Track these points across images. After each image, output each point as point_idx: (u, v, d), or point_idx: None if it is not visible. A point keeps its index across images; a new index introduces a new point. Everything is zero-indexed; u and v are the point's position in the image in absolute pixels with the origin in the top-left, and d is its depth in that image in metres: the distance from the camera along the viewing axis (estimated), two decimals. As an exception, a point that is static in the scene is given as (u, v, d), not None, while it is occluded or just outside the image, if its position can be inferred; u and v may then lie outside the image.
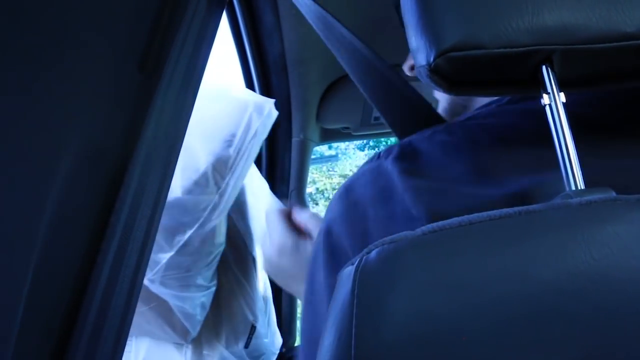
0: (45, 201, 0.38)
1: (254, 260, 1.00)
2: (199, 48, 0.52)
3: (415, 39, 0.37)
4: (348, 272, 0.33)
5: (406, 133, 0.54)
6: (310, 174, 1.49)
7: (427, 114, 0.54)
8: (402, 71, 0.67)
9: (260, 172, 1.32)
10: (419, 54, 0.36)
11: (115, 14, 0.44)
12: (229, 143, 0.81)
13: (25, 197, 0.37)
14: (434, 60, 0.35)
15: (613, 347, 0.30)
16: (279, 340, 1.11)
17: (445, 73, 0.36)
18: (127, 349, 0.71)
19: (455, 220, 0.33)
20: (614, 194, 0.33)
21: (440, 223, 0.32)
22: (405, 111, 0.55)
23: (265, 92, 1.25)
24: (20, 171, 0.37)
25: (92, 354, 0.39)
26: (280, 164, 1.37)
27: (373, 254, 0.32)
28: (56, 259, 0.39)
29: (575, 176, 0.34)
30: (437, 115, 0.55)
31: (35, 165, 0.38)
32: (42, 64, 0.38)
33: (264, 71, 1.23)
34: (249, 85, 1.25)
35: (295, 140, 1.36)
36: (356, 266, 0.32)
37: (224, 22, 1.12)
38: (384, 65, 0.55)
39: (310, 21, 0.59)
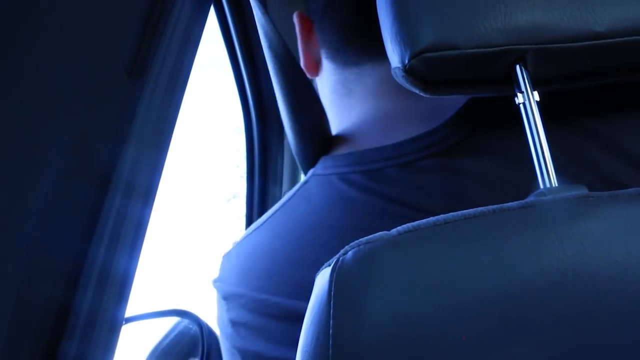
0: (33, 202, 0.38)
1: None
2: (185, 50, 0.53)
3: (390, 41, 0.37)
4: (324, 273, 0.33)
5: (302, 156, 0.52)
6: (303, 175, 1.48)
7: (318, 140, 0.51)
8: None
9: (253, 174, 1.32)
10: (394, 55, 0.37)
11: (104, 18, 0.45)
12: None
13: (13, 198, 0.38)
14: (409, 61, 0.35)
15: (588, 341, 0.30)
16: None
17: (420, 74, 0.36)
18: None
19: (430, 219, 0.33)
20: (586, 190, 0.33)
21: (415, 223, 0.33)
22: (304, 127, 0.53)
23: (257, 94, 1.25)
24: (8, 172, 0.37)
25: (84, 353, 0.40)
26: (273, 165, 1.37)
27: (349, 254, 0.32)
28: (46, 258, 0.40)
29: (550, 174, 0.35)
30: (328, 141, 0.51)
31: (22, 167, 0.38)
32: (31, 67, 0.39)
33: (255, 73, 1.23)
34: (240, 87, 1.25)
35: (287, 141, 1.36)
36: (332, 267, 0.32)
37: (215, 25, 1.12)
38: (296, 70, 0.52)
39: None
